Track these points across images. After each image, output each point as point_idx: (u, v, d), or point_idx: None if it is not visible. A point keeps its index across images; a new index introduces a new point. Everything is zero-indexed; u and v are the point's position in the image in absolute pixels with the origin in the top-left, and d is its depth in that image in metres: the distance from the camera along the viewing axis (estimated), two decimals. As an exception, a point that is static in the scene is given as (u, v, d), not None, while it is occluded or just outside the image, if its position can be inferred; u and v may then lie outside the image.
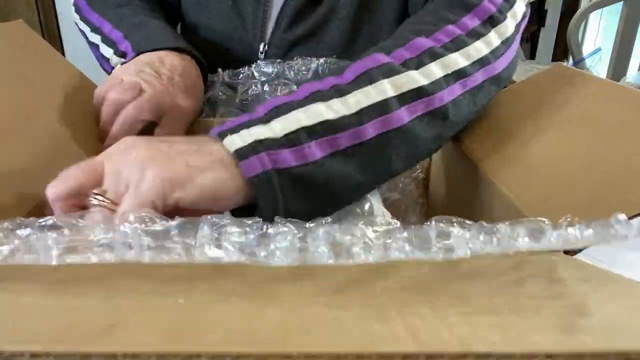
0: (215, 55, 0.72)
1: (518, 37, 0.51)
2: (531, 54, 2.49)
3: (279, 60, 0.68)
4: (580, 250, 0.58)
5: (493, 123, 0.60)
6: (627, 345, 0.19)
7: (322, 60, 0.67)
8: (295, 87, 0.66)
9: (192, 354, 0.20)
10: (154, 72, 0.55)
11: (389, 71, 0.41)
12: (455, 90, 0.44)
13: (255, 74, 0.68)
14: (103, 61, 0.65)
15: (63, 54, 0.63)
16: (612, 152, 0.43)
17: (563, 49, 2.40)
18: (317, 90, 0.40)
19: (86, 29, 0.69)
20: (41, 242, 0.33)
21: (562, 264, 0.34)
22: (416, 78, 0.42)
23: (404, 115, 0.41)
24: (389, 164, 0.41)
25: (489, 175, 0.50)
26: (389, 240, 0.33)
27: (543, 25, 2.39)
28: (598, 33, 2.41)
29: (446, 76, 0.43)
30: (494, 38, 0.47)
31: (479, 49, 0.46)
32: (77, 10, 0.71)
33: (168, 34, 0.62)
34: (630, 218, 0.37)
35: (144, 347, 0.21)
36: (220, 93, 0.68)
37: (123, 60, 0.60)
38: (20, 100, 0.49)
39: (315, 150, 0.37)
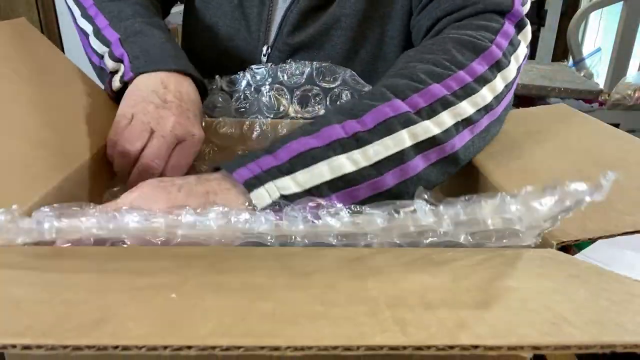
0: (217, 54, 0.73)
1: (518, 78, 0.53)
2: (531, 54, 2.49)
3: (271, 64, 0.68)
4: (579, 250, 0.59)
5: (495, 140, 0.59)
6: (612, 338, 0.19)
7: (316, 64, 0.67)
8: (287, 95, 0.67)
9: (182, 347, 0.20)
10: (160, 102, 0.53)
11: (406, 121, 0.43)
12: (465, 137, 0.47)
13: (249, 78, 0.68)
14: (92, 52, 0.63)
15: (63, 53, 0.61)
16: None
17: (563, 49, 2.40)
18: (339, 138, 0.42)
19: (77, 11, 0.66)
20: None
21: (553, 260, 0.35)
22: (430, 127, 0.44)
23: (419, 163, 0.44)
24: None
25: (489, 178, 0.50)
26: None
27: (543, 25, 2.39)
28: (598, 33, 2.41)
29: (456, 124, 0.46)
30: (499, 83, 0.50)
31: (485, 96, 0.48)
32: None
33: (169, 50, 0.59)
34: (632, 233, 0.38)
35: (134, 340, 0.21)
36: (219, 99, 0.68)
37: (119, 67, 0.58)
38: (21, 97, 0.49)
39: (335, 203, 0.38)
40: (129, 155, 0.52)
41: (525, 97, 1.68)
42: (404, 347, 0.19)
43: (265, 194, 0.39)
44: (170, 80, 0.56)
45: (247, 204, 0.39)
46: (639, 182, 0.44)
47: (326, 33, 0.69)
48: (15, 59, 0.53)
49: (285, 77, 0.67)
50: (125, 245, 0.38)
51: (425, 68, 0.48)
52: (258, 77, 0.68)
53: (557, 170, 0.47)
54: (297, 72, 0.67)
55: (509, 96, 0.52)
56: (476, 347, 0.19)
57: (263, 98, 0.67)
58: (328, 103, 0.66)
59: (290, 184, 0.40)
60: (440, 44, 0.52)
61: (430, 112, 0.45)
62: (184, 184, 0.40)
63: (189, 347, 0.20)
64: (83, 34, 0.65)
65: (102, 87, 0.62)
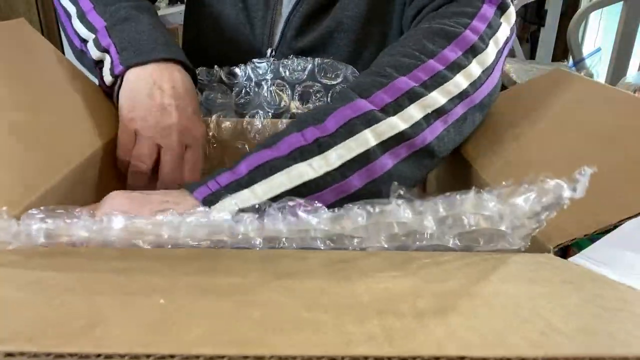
0: (221, 57, 0.72)
1: (500, 63, 0.52)
2: (531, 54, 2.49)
3: (273, 59, 0.68)
4: (579, 250, 0.58)
5: (490, 125, 0.59)
6: (602, 350, 0.19)
7: (318, 60, 0.67)
8: (288, 91, 0.67)
9: (165, 356, 0.20)
10: (159, 108, 0.53)
11: (369, 120, 0.43)
12: (438, 128, 0.46)
13: (251, 73, 0.68)
14: (73, 34, 0.61)
15: (63, 53, 0.60)
16: (605, 156, 0.43)
17: (563, 49, 2.39)
18: (299, 146, 0.42)
19: None
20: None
21: (547, 265, 0.34)
22: (396, 123, 0.43)
23: (387, 162, 0.43)
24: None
25: (482, 175, 0.50)
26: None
27: (543, 25, 2.38)
28: (598, 33, 2.41)
29: (426, 116, 0.45)
30: (474, 68, 0.48)
31: (459, 83, 0.47)
32: None
33: (157, 37, 0.57)
34: (621, 222, 0.37)
35: (118, 348, 0.21)
36: (218, 95, 0.68)
37: (104, 57, 0.57)
38: (20, 98, 0.49)
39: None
40: (143, 172, 0.54)
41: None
42: (389, 358, 0.19)
43: (223, 209, 0.39)
44: (163, 75, 0.55)
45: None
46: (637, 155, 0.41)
47: (329, 36, 0.69)
48: (14, 60, 0.53)
49: (287, 73, 0.67)
50: (117, 248, 0.38)
51: (392, 61, 0.47)
52: (260, 72, 0.68)
53: (552, 159, 0.46)
54: (299, 67, 0.67)
55: (491, 81, 0.50)
56: (463, 358, 0.19)
57: (264, 93, 0.67)
58: (329, 99, 0.66)
59: (249, 195, 0.40)
60: (412, 36, 0.51)
61: (396, 107, 0.44)
62: (150, 196, 0.43)
63: (172, 357, 0.20)
64: (65, 13, 0.63)
65: (93, 77, 0.61)
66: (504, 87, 0.61)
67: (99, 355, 0.21)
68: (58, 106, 0.52)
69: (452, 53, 0.47)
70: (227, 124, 0.65)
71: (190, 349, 0.20)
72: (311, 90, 0.67)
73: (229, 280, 0.30)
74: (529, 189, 0.33)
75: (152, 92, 0.54)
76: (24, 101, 0.49)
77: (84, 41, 0.59)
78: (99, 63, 0.58)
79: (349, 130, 0.42)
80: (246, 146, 0.65)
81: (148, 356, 0.20)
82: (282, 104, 0.67)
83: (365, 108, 0.43)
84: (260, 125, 0.65)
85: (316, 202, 0.37)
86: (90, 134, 0.53)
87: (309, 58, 0.67)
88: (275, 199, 0.39)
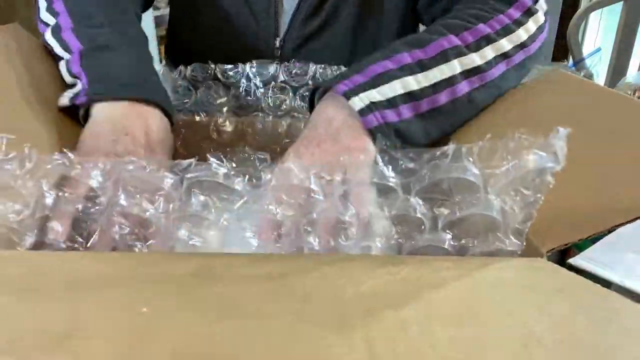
0: (226, 53, 0.72)
1: (547, 24, 0.64)
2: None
3: (276, 62, 0.69)
4: (579, 251, 0.58)
5: (487, 127, 0.59)
6: (584, 361, 0.19)
7: (319, 67, 0.68)
8: (290, 93, 0.68)
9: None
10: (123, 155, 0.46)
11: (458, 53, 0.56)
12: (501, 68, 0.58)
13: (250, 75, 0.68)
14: (50, 47, 0.56)
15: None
16: (602, 159, 0.43)
17: (563, 49, 2.38)
18: (407, 63, 0.54)
19: (42, 3, 0.60)
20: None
21: (541, 272, 0.34)
22: (475, 59, 0.56)
23: (464, 87, 0.55)
24: (453, 122, 0.57)
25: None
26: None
27: (543, 25, 2.37)
28: (598, 33, 2.40)
29: (496, 57, 0.57)
30: (531, 26, 0.61)
31: (520, 35, 0.60)
32: None
33: (137, 72, 0.53)
34: (625, 223, 0.37)
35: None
36: (214, 94, 0.68)
37: (76, 83, 0.52)
38: (14, 103, 0.49)
39: (406, 112, 0.52)
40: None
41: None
42: (368, 371, 0.19)
43: (358, 101, 0.50)
44: (135, 121, 0.49)
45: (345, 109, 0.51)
46: (635, 153, 0.42)
47: (334, 14, 0.73)
48: (8, 64, 0.52)
49: (289, 76, 0.67)
50: (104, 252, 0.38)
51: (472, 13, 0.60)
52: (261, 74, 0.68)
53: None
54: (301, 71, 0.68)
55: (541, 38, 0.63)
56: (442, 371, 0.19)
57: (265, 96, 0.67)
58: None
59: (375, 95, 0.51)
60: (478, 1, 0.62)
61: (476, 46, 0.57)
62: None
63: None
64: (42, 24, 0.59)
65: None
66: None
67: (75, 367, 0.20)
68: (52, 110, 0.52)
69: (515, 12, 0.60)
70: (226, 126, 0.65)
71: (168, 361, 0.20)
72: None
73: (218, 285, 0.30)
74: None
75: (118, 136, 0.47)
76: (17, 105, 0.49)
77: (58, 57, 0.55)
78: (70, 86, 0.53)
79: (443, 57, 0.55)
80: (246, 148, 0.64)
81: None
82: (283, 107, 0.67)
83: (456, 43, 0.56)
84: (261, 126, 0.65)
85: (410, 109, 0.52)
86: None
87: (311, 63, 0.69)
88: (390, 99, 0.52)
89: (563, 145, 0.34)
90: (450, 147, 0.40)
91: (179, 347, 0.21)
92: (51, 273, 0.32)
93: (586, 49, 2.17)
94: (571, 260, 0.55)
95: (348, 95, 0.51)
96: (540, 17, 0.62)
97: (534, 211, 0.37)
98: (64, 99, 0.51)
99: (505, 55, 0.58)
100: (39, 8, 0.60)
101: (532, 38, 0.61)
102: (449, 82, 0.54)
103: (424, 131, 0.54)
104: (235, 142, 0.64)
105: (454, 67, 0.55)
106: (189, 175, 0.41)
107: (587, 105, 0.51)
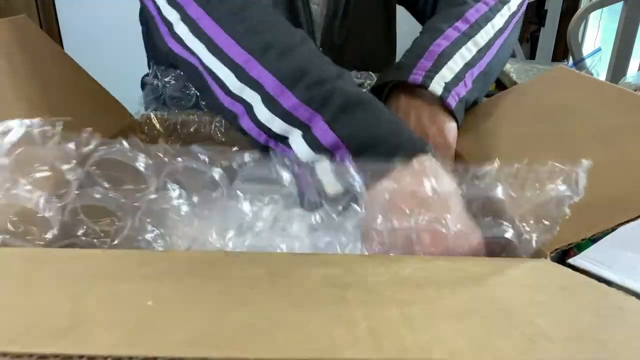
0: None
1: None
2: (531, 54, 2.48)
3: None
4: (580, 251, 0.58)
5: (490, 124, 0.59)
6: (590, 357, 0.19)
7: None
8: None
9: (148, 357, 0.20)
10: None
11: (486, 17, 0.62)
12: (513, 23, 0.65)
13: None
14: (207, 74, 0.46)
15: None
16: (604, 156, 0.43)
17: (563, 49, 2.38)
18: (456, 36, 0.59)
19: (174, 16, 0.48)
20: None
21: (544, 271, 0.34)
22: (499, 21, 0.63)
23: (497, 46, 0.62)
24: (488, 83, 0.63)
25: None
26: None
27: (543, 25, 2.37)
28: (598, 33, 2.40)
29: (510, 15, 0.64)
30: None
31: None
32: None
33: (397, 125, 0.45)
34: (626, 222, 0.37)
35: (100, 349, 0.21)
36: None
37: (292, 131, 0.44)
38: (22, 94, 0.49)
39: (468, 81, 0.58)
40: None
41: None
42: (375, 362, 0.19)
43: (437, 86, 0.55)
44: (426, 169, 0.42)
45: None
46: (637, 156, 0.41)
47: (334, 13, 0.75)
48: (16, 56, 0.52)
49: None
50: (112, 250, 0.38)
51: None
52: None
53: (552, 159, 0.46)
54: None
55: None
56: (449, 363, 0.19)
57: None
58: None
59: (445, 73, 0.56)
60: None
61: (496, 8, 0.63)
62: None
63: (155, 358, 0.20)
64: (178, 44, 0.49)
65: (104, 85, 0.58)
66: (503, 87, 0.66)
67: (81, 357, 0.20)
68: (59, 103, 0.52)
69: None
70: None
71: (174, 351, 0.20)
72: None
73: (224, 282, 0.30)
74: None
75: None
76: (24, 97, 0.49)
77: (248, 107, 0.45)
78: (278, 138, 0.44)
79: (479, 24, 0.61)
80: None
81: (130, 358, 0.20)
82: None
83: (483, 9, 0.62)
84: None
85: (468, 78, 0.58)
86: (94, 130, 0.53)
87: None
88: (456, 75, 0.57)
89: (584, 177, 0.34)
90: (491, 168, 0.40)
91: (185, 336, 0.21)
92: (56, 269, 0.32)
93: (586, 49, 2.17)
94: (571, 260, 0.56)
95: (426, 84, 0.55)
96: None
97: (549, 237, 0.37)
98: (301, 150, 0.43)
99: (514, 14, 0.65)
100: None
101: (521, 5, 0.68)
102: (488, 45, 0.61)
103: (474, 98, 0.59)
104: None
105: (489, 30, 0.61)
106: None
107: (590, 100, 0.51)
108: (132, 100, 0.71)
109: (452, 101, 0.55)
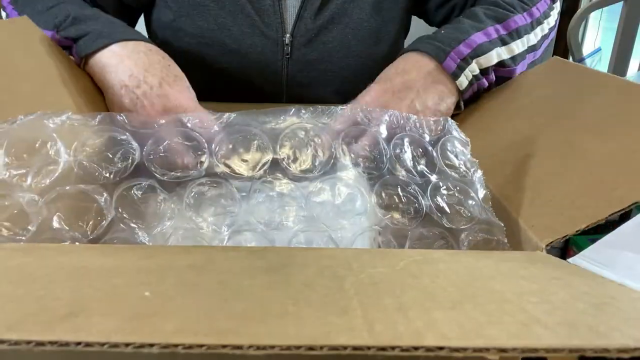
0: (233, 57, 0.72)
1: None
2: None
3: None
4: (579, 251, 0.58)
5: (486, 120, 0.59)
6: (582, 341, 0.19)
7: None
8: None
9: (144, 344, 0.20)
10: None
11: (525, 31, 0.66)
12: (544, 45, 0.72)
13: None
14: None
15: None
16: (598, 146, 0.43)
17: (563, 49, 2.38)
18: (494, 37, 0.63)
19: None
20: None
21: (539, 262, 0.34)
22: (532, 38, 0.67)
23: (528, 61, 0.68)
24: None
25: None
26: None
27: (543, 25, 2.37)
28: (598, 33, 2.40)
29: (542, 37, 0.70)
30: (556, 7, 0.75)
31: (553, 16, 0.73)
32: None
33: (113, 23, 0.62)
34: (619, 212, 0.37)
35: (97, 336, 0.21)
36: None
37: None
38: (20, 95, 0.49)
39: (492, 76, 0.64)
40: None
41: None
42: (368, 348, 0.19)
43: (465, 80, 0.61)
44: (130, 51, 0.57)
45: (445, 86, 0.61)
46: (635, 147, 0.41)
47: (344, 6, 0.72)
48: (15, 57, 0.53)
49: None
50: (105, 245, 0.38)
51: (513, 2, 0.69)
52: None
53: (547, 151, 0.47)
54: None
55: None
56: (441, 348, 0.19)
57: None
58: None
59: (474, 67, 0.62)
60: None
61: (531, 26, 0.67)
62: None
63: (151, 345, 0.20)
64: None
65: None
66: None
67: (78, 344, 0.21)
68: (58, 103, 0.52)
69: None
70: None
71: (170, 338, 0.20)
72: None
73: (222, 275, 0.30)
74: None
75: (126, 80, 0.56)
76: (23, 98, 0.49)
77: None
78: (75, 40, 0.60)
79: (518, 34, 0.65)
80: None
81: (127, 344, 0.20)
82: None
83: (522, 22, 0.66)
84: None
85: (494, 75, 0.64)
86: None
87: None
88: (488, 68, 0.62)
89: None
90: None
91: (180, 324, 0.22)
92: (54, 263, 0.32)
93: (586, 49, 2.17)
94: (570, 260, 0.56)
95: (457, 75, 0.60)
96: (557, 2, 0.74)
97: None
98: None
99: (546, 36, 0.70)
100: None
101: (555, 17, 0.73)
102: (522, 56, 0.66)
103: (485, 89, 0.65)
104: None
105: (524, 43, 0.66)
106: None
107: (584, 91, 0.51)
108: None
109: (469, 91, 0.62)
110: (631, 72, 2.01)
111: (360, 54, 0.75)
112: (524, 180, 0.46)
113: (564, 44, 2.29)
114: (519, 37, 0.65)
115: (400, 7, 0.77)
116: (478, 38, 0.62)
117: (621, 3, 1.84)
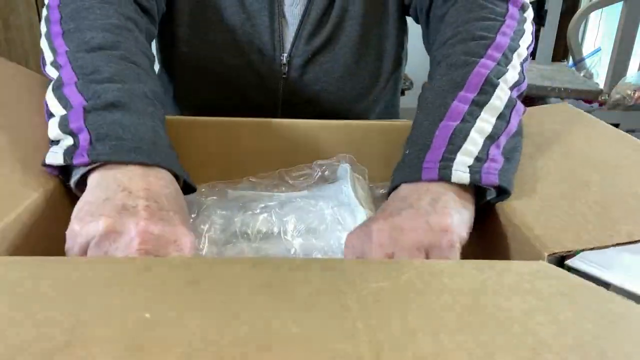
0: (231, 73, 0.71)
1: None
2: (531, 54, 2.48)
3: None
4: (577, 253, 0.58)
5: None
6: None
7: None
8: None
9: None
10: (119, 207, 0.40)
11: (497, 73, 0.52)
12: (525, 68, 0.57)
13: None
14: (46, 105, 0.49)
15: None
16: (609, 187, 0.44)
17: (563, 49, 2.38)
18: (464, 110, 0.49)
19: (48, 56, 0.52)
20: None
21: (543, 275, 0.34)
22: (512, 73, 0.53)
23: (520, 104, 0.53)
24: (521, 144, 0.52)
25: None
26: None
27: (543, 25, 2.37)
28: (598, 33, 2.40)
29: (521, 63, 0.56)
30: (529, 20, 0.61)
31: (528, 33, 0.60)
32: (46, 20, 0.55)
33: (144, 134, 0.46)
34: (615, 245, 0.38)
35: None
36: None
37: (64, 139, 0.45)
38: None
39: (497, 156, 0.47)
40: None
41: (525, 97, 1.67)
42: (375, 378, 0.18)
43: (460, 173, 0.45)
44: (135, 179, 0.43)
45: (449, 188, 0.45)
46: (637, 188, 0.44)
47: (340, 27, 0.71)
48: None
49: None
50: (101, 258, 0.37)
51: (480, 25, 0.57)
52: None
53: (560, 186, 0.47)
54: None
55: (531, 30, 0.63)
56: (450, 378, 0.18)
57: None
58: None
59: (463, 158, 0.46)
60: (473, 2, 0.59)
61: (505, 60, 0.54)
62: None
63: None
64: (45, 69, 0.52)
65: None
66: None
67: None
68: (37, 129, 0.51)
69: (514, 10, 0.60)
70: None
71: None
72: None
73: (223, 291, 0.29)
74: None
75: (114, 195, 0.42)
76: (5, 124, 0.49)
77: (50, 115, 0.48)
78: (52, 142, 0.47)
79: (490, 85, 0.51)
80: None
81: (128, 375, 0.20)
82: None
83: (490, 65, 0.52)
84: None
85: (495, 150, 0.47)
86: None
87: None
88: (480, 152, 0.46)
89: None
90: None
91: (182, 352, 0.21)
92: (51, 278, 0.32)
93: (586, 49, 2.17)
94: (569, 262, 0.55)
95: (446, 176, 0.45)
96: (529, 9, 0.62)
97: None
98: (56, 157, 0.44)
99: (525, 59, 0.57)
100: (44, 61, 0.53)
101: (532, 32, 0.62)
102: (510, 104, 0.51)
103: (514, 168, 0.49)
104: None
105: (504, 88, 0.51)
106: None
107: (594, 139, 0.53)
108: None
109: (489, 179, 0.46)
110: (631, 72, 2.01)
111: (359, 72, 0.74)
112: (531, 196, 0.46)
113: (564, 44, 2.29)
114: (493, 89, 0.50)
115: (393, 19, 0.74)
116: (445, 128, 0.48)
117: (621, 3, 1.84)
